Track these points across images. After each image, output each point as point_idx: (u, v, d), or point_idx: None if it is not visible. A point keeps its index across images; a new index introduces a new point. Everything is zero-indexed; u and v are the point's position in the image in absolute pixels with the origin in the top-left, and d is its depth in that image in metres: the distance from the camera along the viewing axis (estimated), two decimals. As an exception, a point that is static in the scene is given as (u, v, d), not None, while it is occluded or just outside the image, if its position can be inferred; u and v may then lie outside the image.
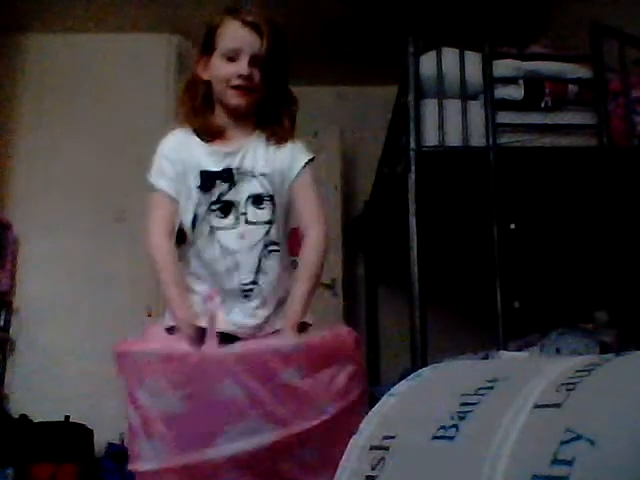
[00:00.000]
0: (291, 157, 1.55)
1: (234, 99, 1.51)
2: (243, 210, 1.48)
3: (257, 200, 1.49)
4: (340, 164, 4.04)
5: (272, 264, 1.49)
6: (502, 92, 2.44)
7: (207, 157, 1.50)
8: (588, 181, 2.45)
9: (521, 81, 2.44)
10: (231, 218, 1.48)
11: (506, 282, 2.27)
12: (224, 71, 1.50)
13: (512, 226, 2.39)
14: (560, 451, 0.61)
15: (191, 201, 1.49)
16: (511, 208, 2.37)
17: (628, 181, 2.42)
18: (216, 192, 1.48)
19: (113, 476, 3.06)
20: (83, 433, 3.21)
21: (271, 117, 1.56)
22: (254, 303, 1.47)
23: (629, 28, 2.50)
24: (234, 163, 1.50)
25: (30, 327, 3.62)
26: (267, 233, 1.49)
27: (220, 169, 1.49)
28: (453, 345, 2.91)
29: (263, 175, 1.50)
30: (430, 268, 2.37)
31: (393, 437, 0.86)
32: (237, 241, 1.47)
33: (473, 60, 2.45)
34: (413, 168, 2.35)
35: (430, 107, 2.41)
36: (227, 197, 1.48)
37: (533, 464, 0.63)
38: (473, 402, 0.78)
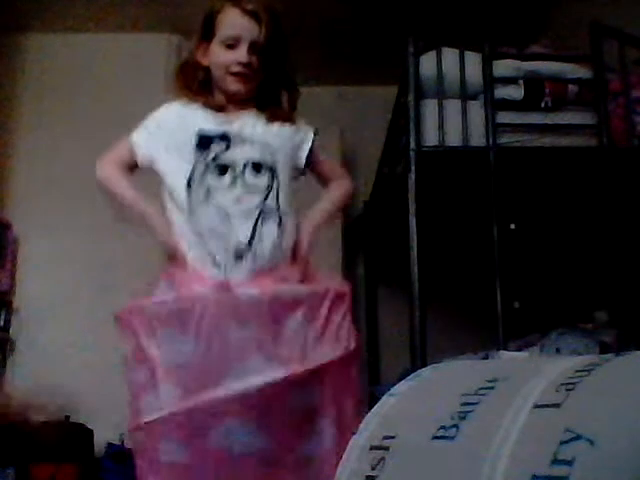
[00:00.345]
0: (297, 134, 1.61)
1: (233, 85, 1.55)
2: (240, 174, 1.49)
3: (255, 167, 1.50)
4: (340, 164, 4.04)
5: (269, 231, 1.48)
6: (502, 92, 2.44)
7: (205, 121, 1.53)
8: (588, 181, 2.45)
9: (521, 81, 2.43)
10: (227, 179, 1.48)
11: (506, 282, 2.27)
12: (223, 58, 1.53)
13: (512, 226, 2.39)
14: (560, 451, 0.61)
15: (187, 163, 1.49)
16: (511, 208, 2.37)
17: (628, 181, 2.42)
18: (212, 152, 1.49)
19: (113, 476, 3.06)
20: (83, 433, 3.21)
21: (271, 100, 1.60)
22: (248, 266, 1.45)
23: (629, 28, 2.50)
24: (233, 129, 1.52)
25: (30, 327, 3.61)
26: (265, 200, 1.49)
27: (218, 131, 1.51)
28: (453, 345, 2.91)
29: (262, 143, 1.52)
30: (430, 268, 2.37)
31: (393, 437, 0.87)
32: (233, 204, 1.47)
33: (473, 60, 2.45)
34: (413, 168, 2.35)
35: (430, 107, 2.41)
36: (223, 159, 1.49)
37: (533, 464, 0.63)
38: (473, 402, 0.79)
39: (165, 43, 4.03)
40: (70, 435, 3.16)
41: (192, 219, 1.47)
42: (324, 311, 1.41)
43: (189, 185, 1.48)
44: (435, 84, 2.41)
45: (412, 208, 2.33)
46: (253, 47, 1.52)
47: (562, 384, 0.70)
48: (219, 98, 1.58)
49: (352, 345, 1.42)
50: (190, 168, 1.48)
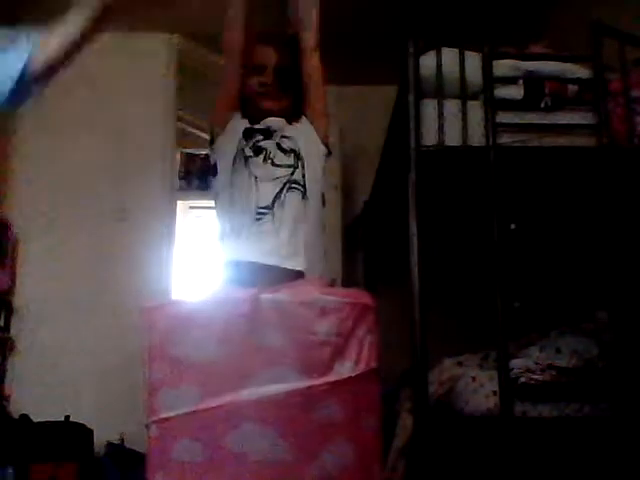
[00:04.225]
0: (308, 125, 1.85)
1: (262, 103, 1.83)
2: (271, 155, 1.75)
3: (282, 150, 1.76)
4: (340, 164, 4.04)
5: (291, 200, 1.68)
6: (502, 92, 2.43)
7: (250, 124, 1.82)
8: (588, 181, 2.45)
9: (521, 81, 2.43)
10: (261, 157, 1.75)
11: (506, 282, 2.27)
12: (252, 82, 1.86)
13: (512, 226, 2.38)
14: None
15: (235, 146, 1.77)
16: (511, 208, 2.37)
17: (628, 181, 2.42)
18: (253, 139, 1.77)
19: (113, 476, 3.06)
20: (83, 433, 3.21)
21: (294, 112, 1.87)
22: (265, 227, 1.63)
23: (629, 28, 2.50)
24: (271, 126, 1.80)
25: (30, 327, 3.62)
26: (292, 174, 1.72)
27: (258, 127, 1.80)
28: (453, 345, 2.91)
29: (287, 136, 1.79)
30: (430, 268, 2.37)
31: None
32: (263, 171, 1.72)
33: (473, 60, 2.44)
34: (413, 168, 2.35)
35: (430, 107, 2.41)
36: (260, 144, 1.77)
37: None
38: None
39: (165, 43, 4.04)
40: (70, 435, 3.17)
41: (234, 184, 1.73)
42: (349, 323, 1.41)
43: (234, 161, 1.76)
44: (435, 84, 2.41)
45: (412, 208, 2.33)
46: (275, 70, 1.83)
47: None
48: (257, 114, 1.82)
49: (373, 363, 1.41)
50: (237, 148, 1.77)
